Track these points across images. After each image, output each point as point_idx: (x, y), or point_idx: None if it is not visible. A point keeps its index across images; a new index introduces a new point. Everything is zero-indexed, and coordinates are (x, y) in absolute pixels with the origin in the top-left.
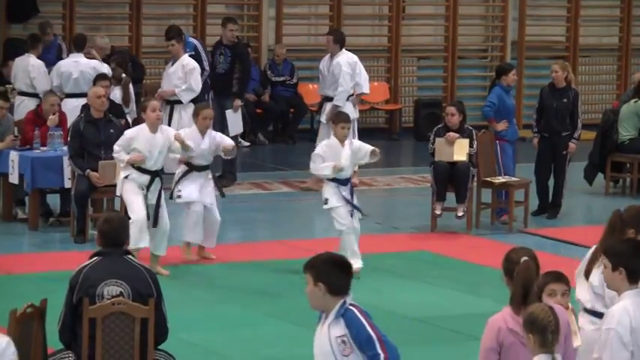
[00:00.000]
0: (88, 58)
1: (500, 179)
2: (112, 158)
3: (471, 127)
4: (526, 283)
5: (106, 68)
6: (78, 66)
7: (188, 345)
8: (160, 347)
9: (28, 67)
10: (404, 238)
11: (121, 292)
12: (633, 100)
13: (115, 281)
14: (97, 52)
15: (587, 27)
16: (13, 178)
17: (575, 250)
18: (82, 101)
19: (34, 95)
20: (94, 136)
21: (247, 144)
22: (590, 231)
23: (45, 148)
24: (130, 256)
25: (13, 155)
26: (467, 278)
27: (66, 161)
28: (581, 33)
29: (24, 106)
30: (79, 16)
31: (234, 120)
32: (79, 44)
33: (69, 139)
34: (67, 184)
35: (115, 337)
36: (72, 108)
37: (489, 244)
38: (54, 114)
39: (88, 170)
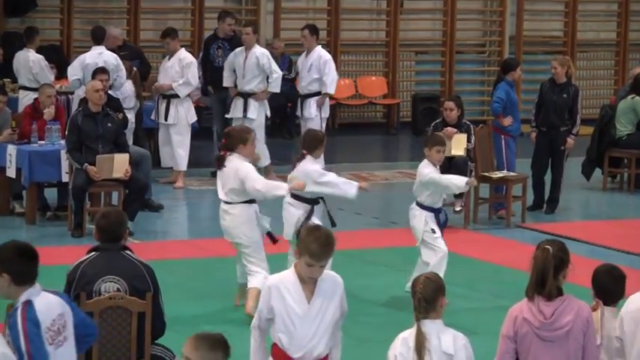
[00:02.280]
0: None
1: (498, 174)
2: (110, 152)
3: (468, 122)
4: (543, 270)
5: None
6: (102, 57)
7: (185, 339)
8: (157, 341)
9: (29, 63)
10: (401, 232)
11: (118, 289)
12: (630, 96)
13: (112, 278)
14: (111, 41)
15: (585, 22)
16: (11, 172)
17: (572, 245)
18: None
19: (37, 89)
20: (92, 130)
21: None
22: (588, 226)
23: (42, 142)
24: (127, 252)
25: (11, 149)
26: (464, 273)
27: (63, 155)
28: (579, 28)
29: (28, 100)
30: (77, 9)
31: None
32: (99, 37)
33: (67, 132)
34: (65, 178)
35: (112, 331)
36: None
37: (487, 238)
38: (49, 106)
39: (86, 164)
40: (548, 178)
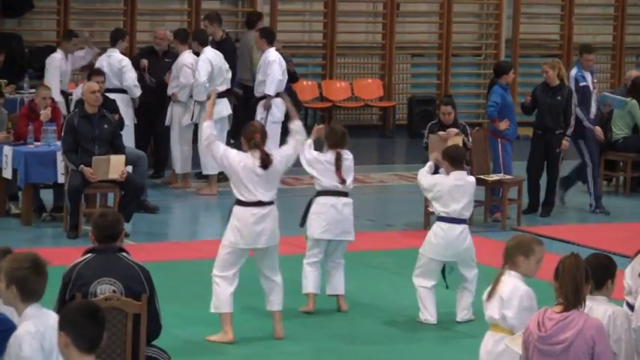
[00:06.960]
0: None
1: (494, 177)
2: (106, 153)
3: (464, 123)
4: (576, 279)
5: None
6: (109, 60)
7: (181, 341)
8: (153, 343)
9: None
10: (397, 235)
11: (113, 291)
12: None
13: (108, 280)
14: (159, 41)
15: (581, 25)
16: (7, 173)
17: (567, 247)
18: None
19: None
20: (88, 131)
21: None
22: (583, 229)
23: (38, 143)
24: (123, 254)
25: (7, 150)
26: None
27: (59, 156)
28: (575, 31)
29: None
30: (73, 11)
31: None
32: (113, 38)
33: (63, 134)
34: (61, 179)
35: (107, 332)
36: None
37: (482, 241)
38: (45, 108)
39: (82, 165)
40: (543, 181)
